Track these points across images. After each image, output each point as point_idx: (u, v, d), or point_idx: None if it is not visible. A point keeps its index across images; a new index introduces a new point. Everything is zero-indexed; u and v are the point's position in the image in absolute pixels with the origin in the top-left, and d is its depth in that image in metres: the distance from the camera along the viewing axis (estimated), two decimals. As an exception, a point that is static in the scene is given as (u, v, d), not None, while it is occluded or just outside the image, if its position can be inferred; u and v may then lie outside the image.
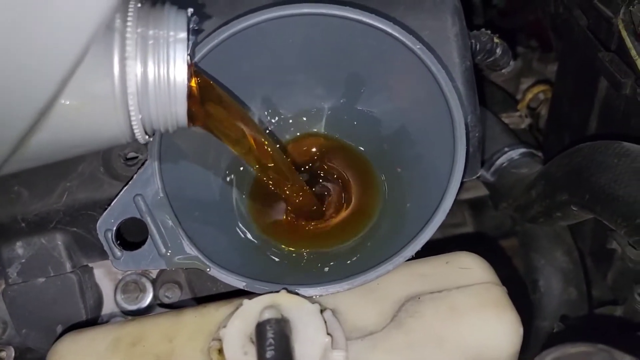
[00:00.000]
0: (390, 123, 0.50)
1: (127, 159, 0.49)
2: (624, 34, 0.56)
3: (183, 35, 0.35)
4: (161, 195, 0.43)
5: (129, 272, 0.54)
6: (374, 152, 0.51)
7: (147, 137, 0.36)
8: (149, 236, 0.43)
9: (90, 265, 0.52)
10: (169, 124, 0.36)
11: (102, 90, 0.32)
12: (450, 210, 0.86)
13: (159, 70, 0.34)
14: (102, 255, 0.52)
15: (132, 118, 0.34)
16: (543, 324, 0.67)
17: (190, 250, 0.43)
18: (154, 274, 0.54)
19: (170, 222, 0.43)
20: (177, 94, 0.35)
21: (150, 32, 0.34)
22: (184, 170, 0.46)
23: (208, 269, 0.42)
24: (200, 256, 0.42)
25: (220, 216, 0.48)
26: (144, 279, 0.54)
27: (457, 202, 0.84)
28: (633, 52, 0.55)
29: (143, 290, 0.53)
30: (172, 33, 0.34)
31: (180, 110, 0.36)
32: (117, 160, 0.49)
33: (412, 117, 0.48)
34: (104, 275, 0.53)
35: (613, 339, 0.47)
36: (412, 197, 0.47)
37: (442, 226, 0.86)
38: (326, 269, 0.46)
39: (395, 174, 0.50)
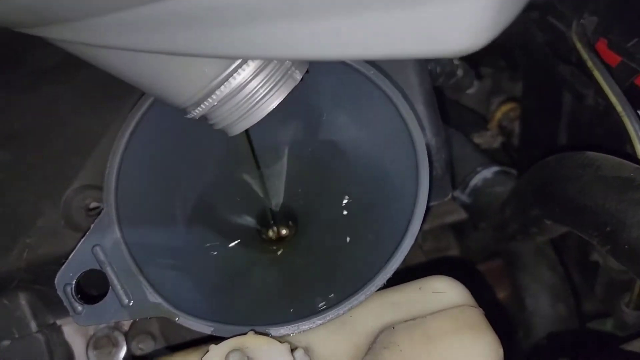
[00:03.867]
0: (352, 151, 0.49)
1: (89, 210, 0.48)
2: (579, 46, 0.57)
3: (298, 77, 0.36)
4: (120, 243, 0.42)
5: (101, 327, 0.52)
6: (337, 182, 0.51)
7: (196, 114, 0.36)
8: (110, 287, 0.42)
9: (58, 322, 0.51)
10: (224, 124, 0.37)
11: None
12: (433, 234, 0.85)
13: (261, 88, 0.35)
14: (70, 311, 0.50)
15: (209, 99, 0.34)
16: (533, 343, 0.65)
17: (154, 298, 0.41)
18: (126, 325, 0.52)
19: (131, 271, 0.42)
20: (254, 115, 0.36)
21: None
22: (144, 216, 0.45)
23: (176, 318, 0.41)
24: (164, 304, 0.41)
25: (185, 260, 0.47)
26: (116, 332, 0.52)
27: (440, 227, 0.84)
28: (589, 64, 0.55)
29: (116, 344, 0.51)
30: (294, 68, 0.36)
31: (243, 125, 0.36)
32: (78, 212, 0.48)
33: (374, 143, 0.48)
34: (74, 332, 0.52)
35: (600, 354, 0.46)
36: (379, 225, 0.47)
37: (427, 251, 0.85)
38: (297, 305, 0.45)
39: (360, 202, 0.49)
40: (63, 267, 0.42)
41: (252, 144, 0.48)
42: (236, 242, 0.51)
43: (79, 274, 0.42)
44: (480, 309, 0.41)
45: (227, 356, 0.35)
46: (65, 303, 0.41)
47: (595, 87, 0.56)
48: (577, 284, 0.71)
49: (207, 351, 0.37)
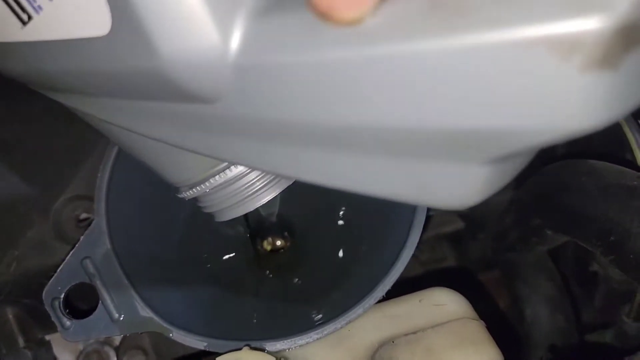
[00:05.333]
0: None
1: (80, 221, 0.47)
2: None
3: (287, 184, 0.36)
4: (111, 255, 0.41)
5: (91, 342, 0.51)
6: (334, 192, 0.50)
7: (187, 195, 0.36)
8: (100, 301, 0.40)
9: (46, 338, 0.49)
10: (212, 210, 0.37)
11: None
12: (429, 245, 0.84)
13: (255, 183, 0.35)
14: (60, 326, 0.48)
15: (202, 185, 0.34)
16: (533, 355, 0.64)
17: (146, 312, 0.40)
18: (117, 340, 0.51)
19: (122, 284, 0.40)
20: (244, 207, 0.36)
21: None
22: (136, 228, 0.44)
23: (170, 334, 0.40)
24: (155, 318, 0.40)
25: (178, 273, 0.46)
26: (106, 347, 0.51)
27: (437, 237, 0.83)
28: (589, 71, 0.55)
29: (106, 359, 0.50)
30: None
31: (230, 214, 0.36)
32: (68, 223, 0.47)
33: None
34: (63, 347, 0.50)
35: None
36: (377, 235, 0.46)
37: (424, 262, 0.84)
38: (292, 318, 0.44)
39: (357, 212, 0.48)
40: (51, 280, 0.41)
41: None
42: (230, 255, 0.50)
43: (67, 288, 0.41)
44: (482, 321, 0.40)
45: (222, 373, 0.34)
46: (53, 318, 0.40)
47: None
48: (576, 295, 0.70)
49: (201, 367, 0.36)
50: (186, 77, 0.23)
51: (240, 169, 0.34)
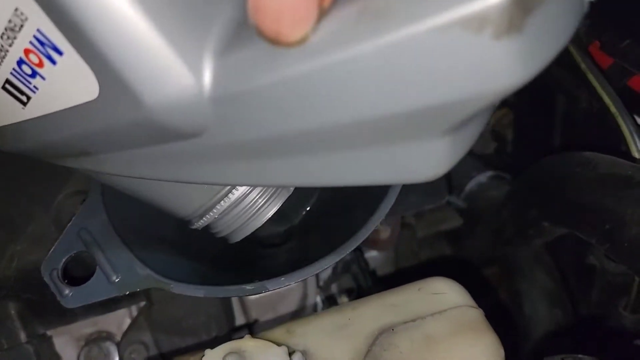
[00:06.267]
0: None
1: (81, 216, 0.47)
2: (572, 49, 0.57)
3: (292, 188, 0.40)
4: (107, 224, 0.42)
5: (93, 337, 0.51)
6: None
7: (200, 225, 0.39)
8: (97, 267, 0.41)
9: (48, 333, 0.49)
10: (225, 233, 0.40)
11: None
12: (428, 242, 0.84)
13: (258, 200, 0.38)
14: (62, 321, 0.49)
15: (210, 213, 0.38)
16: (531, 348, 0.65)
17: (143, 270, 0.40)
18: (118, 335, 0.51)
19: (118, 248, 0.41)
20: (250, 226, 0.39)
21: None
22: (129, 202, 0.44)
23: (170, 286, 0.40)
24: (153, 274, 0.40)
25: (173, 235, 0.46)
26: (108, 343, 0.51)
27: (435, 234, 0.83)
28: (583, 66, 0.55)
29: (107, 355, 0.50)
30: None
31: (243, 233, 0.40)
32: (70, 217, 0.47)
33: None
34: (65, 343, 0.50)
35: (599, 351, 0.45)
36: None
37: (422, 259, 0.84)
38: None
39: None
40: (49, 253, 0.41)
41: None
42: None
43: (65, 257, 0.41)
44: (480, 309, 0.41)
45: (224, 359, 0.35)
46: (52, 287, 0.40)
47: (588, 89, 0.56)
48: (574, 289, 0.70)
49: (203, 356, 0.36)
50: (171, 118, 0.26)
51: (240, 191, 0.37)
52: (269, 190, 0.39)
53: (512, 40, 0.20)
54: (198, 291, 0.40)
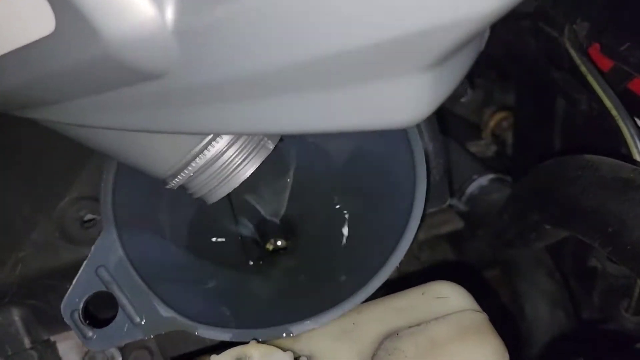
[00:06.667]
0: (347, 157, 0.49)
1: (84, 222, 0.48)
2: (572, 52, 0.57)
3: (271, 146, 0.38)
4: (125, 261, 0.41)
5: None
6: (331, 187, 0.50)
7: (175, 184, 0.37)
8: (119, 307, 0.40)
9: (52, 339, 0.49)
10: (201, 193, 0.38)
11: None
12: (429, 245, 0.84)
13: (235, 158, 0.36)
14: (65, 326, 0.49)
15: (185, 171, 0.35)
16: (534, 352, 0.65)
17: (167, 312, 0.40)
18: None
19: (139, 288, 0.41)
20: (229, 184, 0.37)
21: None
22: (145, 232, 0.44)
23: (195, 331, 0.40)
24: (178, 317, 0.40)
25: (189, 273, 0.46)
26: (112, 348, 0.51)
27: (436, 237, 0.83)
28: (583, 69, 0.56)
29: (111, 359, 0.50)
30: (266, 138, 0.37)
31: (219, 193, 0.37)
32: (73, 224, 0.47)
33: (369, 149, 0.47)
34: (69, 348, 0.50)
35: (602, 356, 0.45)
36: (378, 225, 0.46)
37: (424, 262, 0.84)
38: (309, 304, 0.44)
39: (357, 204, 0.49)
40: (68, 292, 0.41)
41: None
42: (236, 254, 0.51)
43: (85, 298, 0.41)
44: (484, 313, 0.41)
45: (229, 365, 0.35)
46: (74, 330, 0.40)
47: (588, 92, 0.56)
48: (576, 291, 0.71)
49: (208, 361, 0.36)
50: (133, 55, 0.24)
51: (217, 147, 0.35)
52: (247, 148, 0.36)
53: None
54: (225, 335, 0.39)
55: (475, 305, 0.41)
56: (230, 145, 0.36)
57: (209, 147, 0.35)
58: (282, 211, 0.54)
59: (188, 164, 0.35)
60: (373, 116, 0.25)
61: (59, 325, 0.48)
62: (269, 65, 0.23)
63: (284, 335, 0.39)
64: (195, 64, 0.25)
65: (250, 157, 0.37)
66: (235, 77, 0.25)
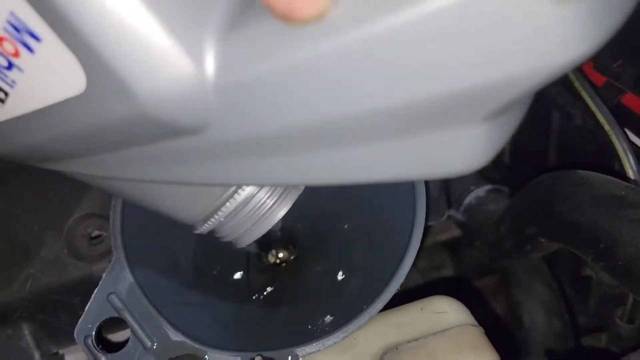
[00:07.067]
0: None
1: (92, 238, 0.49)
2: (566, 67, 0.58)
3: (302, 187, 0.37)
4: (135, 287, 0.42)
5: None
6: (336, 205, 0.52)
7: (204, 229, 0.36)
8: (131, 333, 0.42)
9: (61, 352, 0.51)
10: (231, 237, 0.37)
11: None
12: (428, 253, 0.86)
13: (266, 201, 0.35)
14: (73, 340, 0.50)
15: (216, 216, 0.34)
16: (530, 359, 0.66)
17: (177, 336, 0.41)
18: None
19: (149, 313, 0.42)
20: (261, 227, 0.36)
21: None
22: (153, 258, 0.46)
23: (205, 355, 0.41)
24: (187, 341, 0.41)
25: (197, 296, 0.47)
26: None
27: (435, 245, 0.85)
28: (577, 84, 0.57)
29: (119, 372, 0.51)
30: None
31: (250, 237, 0.37)
32: (81, 241, 0.48)
33: None
34: (77, 361, 0.52)
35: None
36: (379, 245, 0.47)
37: (422, 270, 0.85)
38: (302, 328, 0.45)
39: (359, 221, 0.50)
40: (81, 319, 0.42)
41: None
42: (240, 272, 0.52)
43: (97, 324, 0.42)
44: (481, 327, 0.42)
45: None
46: (88, 355, 0.41)
47: (582, 107, 0.58)
48: (571, 299, 0.72)
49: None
50: (169, 112, 0.23)
51: (248, 191, 0.34)
52: (278, 190, 0.35)
53: (577, 5, 0.17)
54: (233, 358, 0.40)
55: (472, 320, 0.42)
56: (260, 188, 0.35)
57: (239, 191, 0.34)
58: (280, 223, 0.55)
59: (218, 209, 0.34)
60: (427, 167, 0.24)
61: (68, 339, 0.50)
62: (320, 118, 0.22)
63: (290, 358, 0.40)
64: (235, 120, 0.23)
65: (281, 199, 0.36)
66: (280, 131, 0.23)
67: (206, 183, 0.30)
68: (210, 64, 0.21)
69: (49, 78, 0.23)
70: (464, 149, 0.23)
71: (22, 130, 0.27)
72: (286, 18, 0.19)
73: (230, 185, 0.34)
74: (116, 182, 0.32)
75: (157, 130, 0.24)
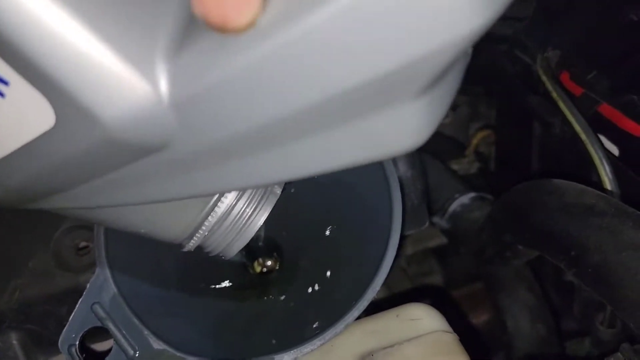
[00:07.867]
0: (330, 182, 0.51)
1: (79, 249, 0.50)
2: (544, 78, 0.60)
3: (279, 191, 0.39)
4: (118, 297, 0.43)
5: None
6: (318, 213, 0.53)
7: (191, 246, 0.38)
8: (114, 342, 0.43)
9: (48, 361, 0.52)
10: (219, 250, 0.39)
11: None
12: (417, 259, 0.87)
13: (246, 209, 0.37)
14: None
15: (200, 231, 0.36)
16: (513, 365, 0.67)
17: (158, 345, 0.42)
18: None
19: (132, 322, 0.43)
20: (245, 235, 0.38)
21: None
22: (137, 270, 0.47)
23: None
24: (168, 349, 0.42)
25: (180, 305, 0.48)
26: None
27: (423, 252, 0.86)
28: (554, 95, 0.58)
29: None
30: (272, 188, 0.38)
31: (237, 246, 0.39)
32: (68, 252, 0.49)
33: (347, 181, 0.49)
34: (65, 369, 0.53)
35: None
36: (360, 254, 0.48)
37: (412, 275, 0.86)
38: (295, 330, 0.46)
39: (341, 231, 0.51)
40: (65, 328, 0.43)
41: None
42: (225, 281, 0.53)
43: (81, 334, 0.43)
44: (455, 334, 0.43)
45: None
46: None
47: (561, 117, 0.59)
48: (556, 304, 0.73)
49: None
50: (133, 133, 0.24)
51: (227, 202, 0.36)
52: (256, 197, 0.37)
53: None
54: None
55: (447, 326, 0.43)
56: (239, 198, 0.37)
57: (219, 203, 0.35)
58: (263, 232, 0.56)
59: (201, 224, 0.36)
60: (376, 147, 0.26)
61: (55, 348, 0.50)
62: (271, 117, 0.24)
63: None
64: (195, 131, 0.25)
65: (260, 205, 0.38)
66: (237, 136, 0.25)
67: (181, 197, 0.31)
68: (163, 83, 0.23)
69: (20, 118, 0.24)
70: (407, 125, 0.25)
71: (1, 174, 0.28)
72: (221, 30, 0.21)
73: (204, 196, 0.35)
74: (99, 211, 0.33)
75: (126, 152, 0.25)
